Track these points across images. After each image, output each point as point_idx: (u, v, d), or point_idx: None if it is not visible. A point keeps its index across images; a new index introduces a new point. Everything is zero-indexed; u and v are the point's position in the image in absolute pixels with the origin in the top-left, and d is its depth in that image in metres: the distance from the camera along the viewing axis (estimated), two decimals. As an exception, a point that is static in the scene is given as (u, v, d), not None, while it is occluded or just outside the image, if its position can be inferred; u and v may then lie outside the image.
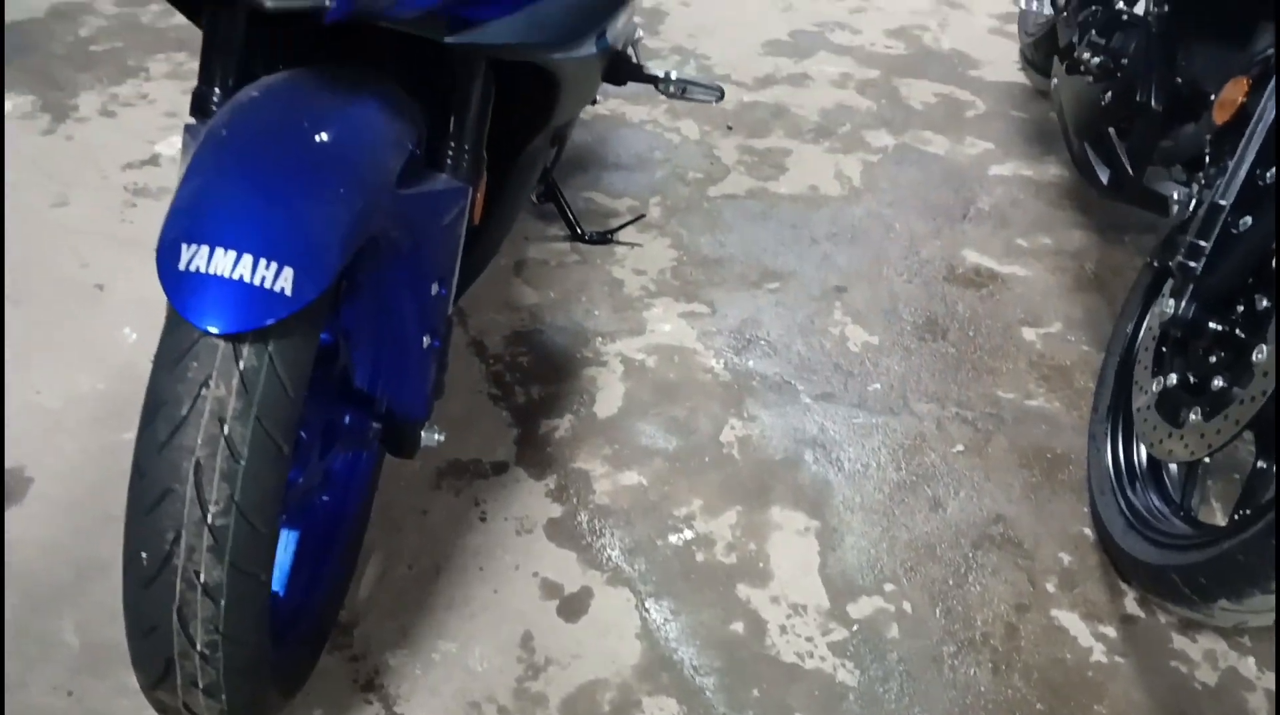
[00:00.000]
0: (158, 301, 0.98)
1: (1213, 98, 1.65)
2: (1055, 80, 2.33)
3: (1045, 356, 2.04)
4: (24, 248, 2.08)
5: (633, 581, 1.56)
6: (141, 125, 2.51)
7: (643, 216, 2.33)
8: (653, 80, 1.66)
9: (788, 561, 1.61)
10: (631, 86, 1.69)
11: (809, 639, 1.50)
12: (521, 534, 1.62)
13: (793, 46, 3.13)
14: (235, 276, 0.96)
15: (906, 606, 1.56)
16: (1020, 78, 3.01)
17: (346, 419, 1.30)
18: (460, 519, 1.63)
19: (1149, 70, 1.89)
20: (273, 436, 0.99)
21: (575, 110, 1.79)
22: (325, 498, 1.38)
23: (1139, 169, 1.92)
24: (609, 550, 1.60)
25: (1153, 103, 1.86)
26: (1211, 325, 1.48)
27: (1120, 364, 1.77)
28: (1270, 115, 1.44)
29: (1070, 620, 1.56)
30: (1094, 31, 2.11)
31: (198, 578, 0.98)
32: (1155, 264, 1.74)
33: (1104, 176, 2.02)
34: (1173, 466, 1.61)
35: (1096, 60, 2.05)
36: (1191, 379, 1.51)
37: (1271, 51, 1.58)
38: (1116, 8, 2.08)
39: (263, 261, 0.96)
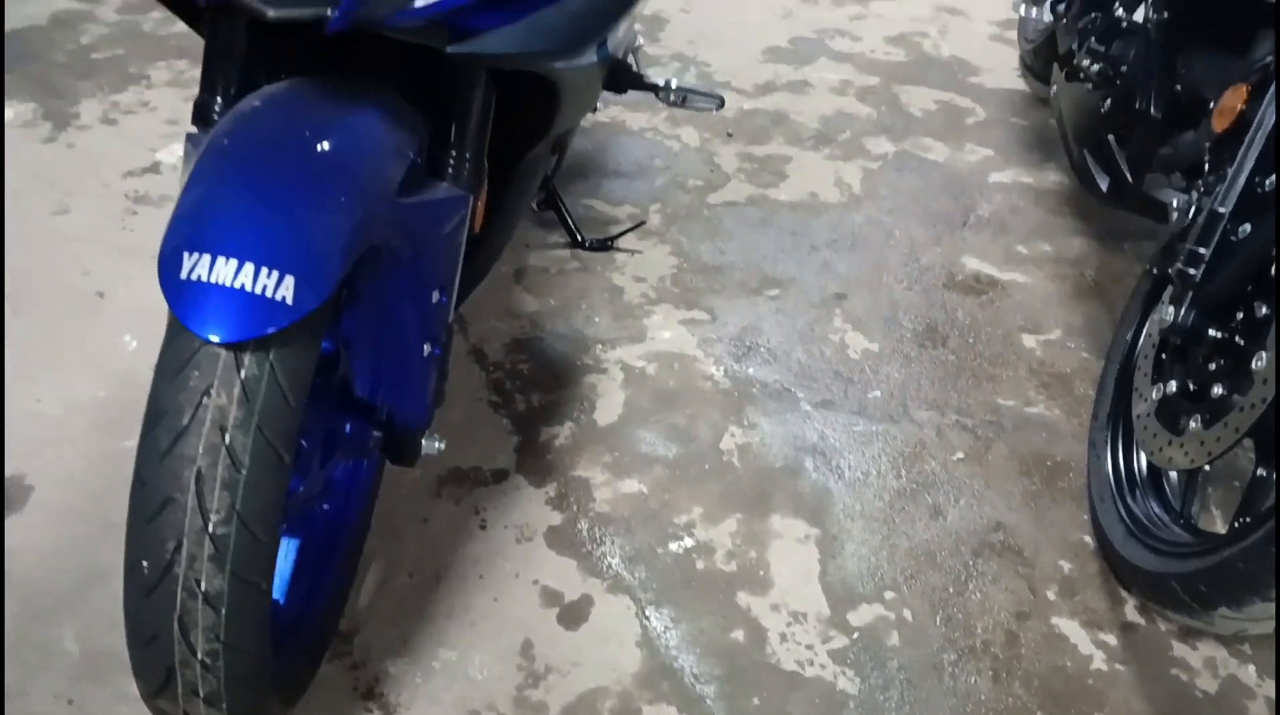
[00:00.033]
0: (158, 309, 0.99)
1: (1212, 105, 1.65)
2: (1055, 87, 2.33)
3: (1045, 364, 2.05)
4: (25, 255, 2.08)
5: (633, 589, 1.56)
6: (143, 133, 2.52)
7: (643, 223, 2.33)
8: (653, 88, 1.66)
9: (788, 569, 1.61)
10: (632, 94, 1.69)
11: (809, 647, 1.50)
12: (522, 542, 1.62)
13: (793, 53, 3.14)
14: (237, 285, 0.96)
15: (907, 614, 1.56)
16: (1020, 84, 3.02)
17: (347, 427, 1.30)
18: (460, 527, 1.63)
19: (1148, 77, 1.89)
20: (274, 445, 0.99)
21: (576, 118, 1.79)
22: (326, 506, 1.38)
23: (1138, 176, 1.92)
24: (609, 558, 1.60)
25: (1152, 110, 1.87)
26: (1211, 332, 1.48)
27: (1120, 371, 1.78)
28: (1270, 123, 1.44)
29: (1071, 628, 1.56)
30: (1093, 39, 2.11)
31: (199, 586, 0.98)
32: (1155, 271, 1.75)
33: (1103, 184, 2.03)
34: (1173, 474, 1.61)
35: (1096, 67, 2.05)
36: (1191, 386, 1.51)
37: (1270, 59, 1.58)
38: (1116, 15, 2.08)
39: (264, 270, 0.97)
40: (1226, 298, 1.48)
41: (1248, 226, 1.44)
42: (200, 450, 0.97)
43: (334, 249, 1.01)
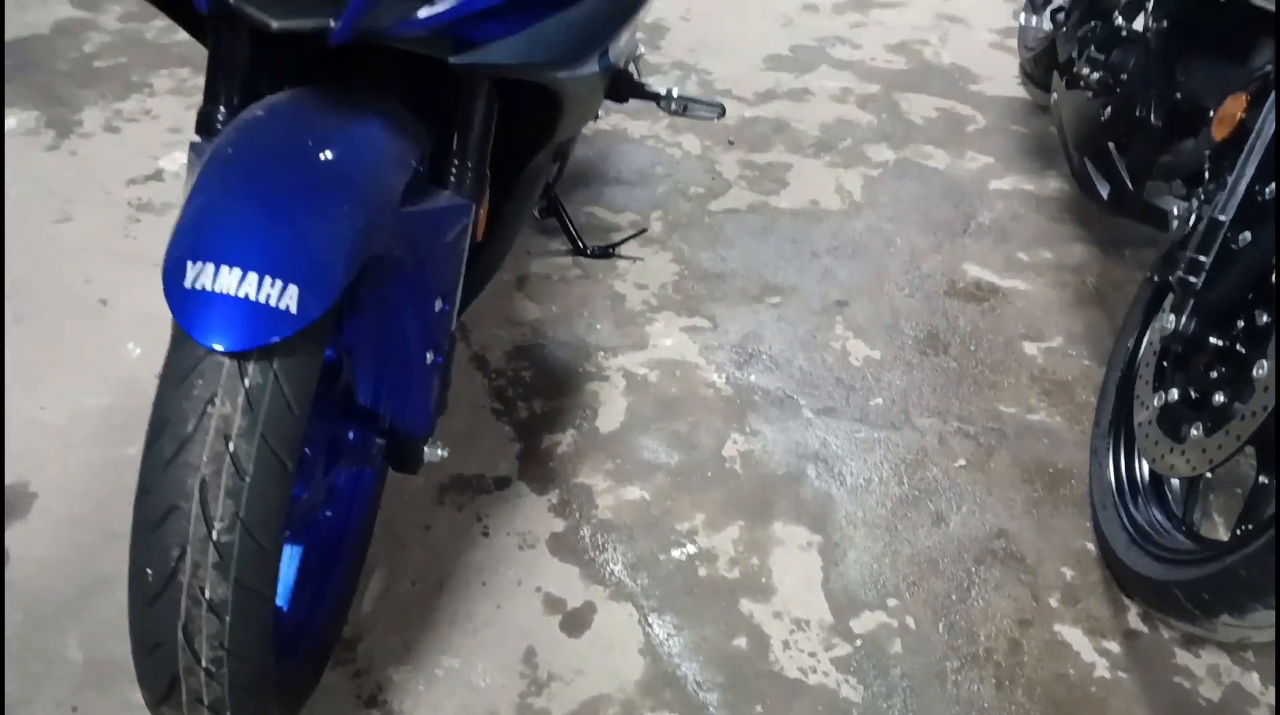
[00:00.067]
0: (161, 316, 0.99)
1: (1212, 113, 1.66)
2: (1055, 95, 2.34)
3: (1046, 371, 2.05)
4: (28, 263, 2.09)
5: (635, 597, 1.56)
6: (145, 141, 2.52)
7: (644, 231, 2.34)
8: (654, 97, 1.67)
9: (790, 577, 1.61)
10: (633, 102, 1.69)
11: (812, 654, 1.50)
12: (524, 549, 1.62)
13: (793, 61, 3.15)
14: (241, 294, 0.96)
15: (909, 622, 1.56)
16: (1020, 92, 3.03)
17: (350, 435, 1.31)
18: (463, 534, 1.63)
19: (1148, 86, 1.90)
20: (277, 453, 0.99)
21: (577, 127, 1.80)
22: (329, 513, 1.38)
23: (1139, 184, 1.93)
24: (611, 565, 1.61)
25: (1152, 118, 1.87)
26: (1212, 340, 1.48)
27: (1121, 379, 1.78)
28: (1270, 131, 1.44)
29: (1073, 635, 1.56)
30: (1093, 47, 2.12)
31: (203, 594, 0.98)
32: (1155, 279, 1.75)
33: (1104, 191, 2.03)
34: (1174, 481, 1.62)
35: (1096, 75, 2.06)
36: (1193, 394, 1.51)
37: (1270, 67, 1.58)
38: (1116, 23, 2.09)
39: (268, 279, 0.97)
40: (1227, 306, 1.48)
41: (1248, 234, 1.45)
42: (204, 458, 0.97)
43: (337, 258, 1.02)
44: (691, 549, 1.64)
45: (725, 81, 3.00)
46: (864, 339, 2.10)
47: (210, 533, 0.97)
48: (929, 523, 1.72)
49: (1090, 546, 1.69)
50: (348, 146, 1.09)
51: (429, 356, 1.28)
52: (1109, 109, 2.01)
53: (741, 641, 1.51)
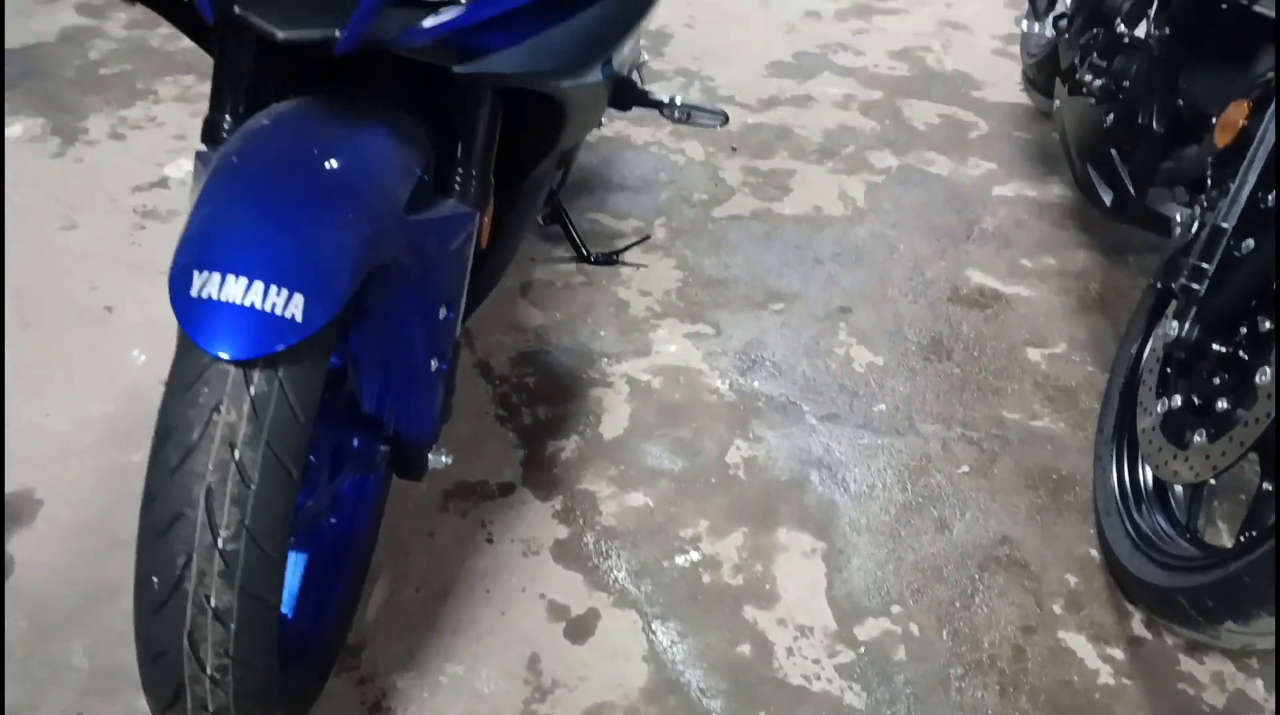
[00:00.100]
0: (167, 324, 1.00)
1: (1214, 120, 1.66)
2: (1057, 102, 2.34)
3: (1050, 377, 2.05)
4: (34, 271, 2.10)
5: (639, 603, 1.56)
6: (150, 148, 2.53)
7: (648, 238, 2.34)
8: (657, 105, 1.67)
9: (794, 583, 1.62)
10: (636, 109, 1.70)
11: (816, 661, 1.51)
12: (528, 556, 1.62)
13: (796, 68, 3.15)
14: (246, 303, 0.97)
15: (913, 628, 1.56)
16: (1023, 98, 3.03)
17: (355, 442, 1.31)
18: (467, 541, 1.63)
19: (1150, 92, 1.90)
20: (283, 461, 1.00)
21: (581, 135, 1.80)
22: (333, 520, 1.39)
23: (1141, 190, 1.93)
24: (615, 572, 1.61)
25: (1154, 125, 1.87)
26: (1215, 347, 1.48)
27: (1125, 385, 1.78)
28: (1271, 138, 1.45)
29: (1077, 642, 1.56)
30: (1095, 54, 2.12)
31: (208, 602, 0.99)
32: (1158, 286, 1.75)
33: (1107, 198, 2.03)
34: (1178, 488, 1.61)
35: (1098, 82, 2.06)
36: (1196, 401, 1.51)
37: (1272, 75, 1.59)
38: (1118, 30, 2.09)
39: (274, 288, 0.98)
40: (1230, 313, 1.48)
41: (1251, 242, 1.45)
42: (210, 466, 0.97)
43: (343, 267, 1.02)
44: (695, 555, 1.64)
45: (728, 88, 3.01)
46: (867, 345, 2.10)
47: (216, 540, 0.98)
48: (933, 529, 1.72)
49: (1094, 553, 1.69)
50: (353, 155, 1.10)
51: (433, 364, 1.29)
52: (1111, 116, 2.01)
53: (745, 648, 1.52)
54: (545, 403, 1.90)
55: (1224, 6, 1.82)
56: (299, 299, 0.98)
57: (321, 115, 1.13)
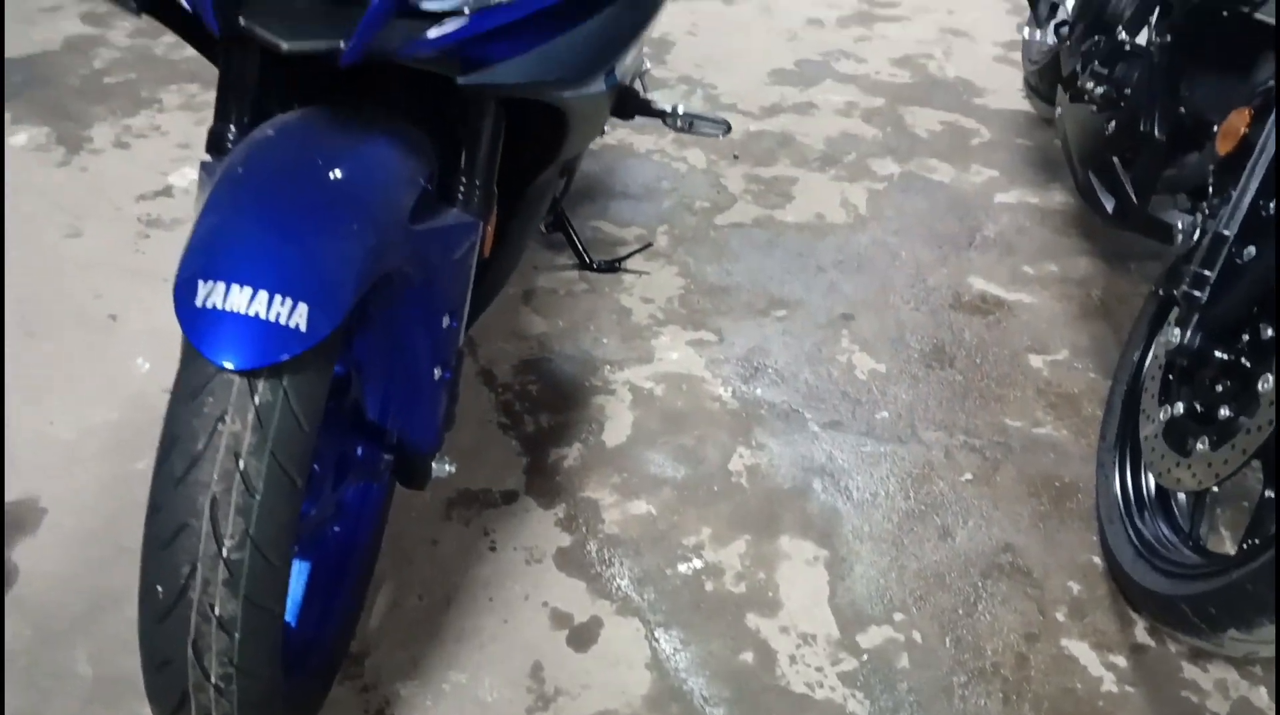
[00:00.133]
0: (170, 332, 1.00)
1: (1215, 128, 1.66)
2: (1059, 109, 2.35)
3: (1052, 384, 2.05)
4: (38, 279, 2.11)
5: (642, 611, 1.56)
6: (154, 156, 2.54)
7: (650, 245, 2.35)
8: (660, 115, 1.68)
9: (797, 591, 1.62)
10: (639, 118, 1.71)
11: (819, 669, 1.51)
12: (531, 564, 1.62)
13: (798, 75, 3.16)
14: (251, 313, 0.97)
15: (916, 636, 1.56)
16: (1025, 105, 3.04)
17: (359, 451, 1.31)
18: (470, 549, 1.64)
19: (1152, 100, 1.90)
20: (287, 471, 1.00)
21: (584, 144, 1.81)
22: (337, 529, 1.39)
23: (1143, 198, 1.93)
24: (618, 580, 1.61)
25: (1156, 132, 1.87)
26: (1217, 354, 1.49)
27: (1127, 392, 1.78)
28: (1272, 147, 1.45)
29: (1080, 650, 1.56)
30: (1097, 61, 2.12)
31: (213, 611, 0.99)
32: (1160, 293, 1.75)
33: (1109, 205, 2.03)
34: (1181, 495, 1.61)
35: (1100, 90, 2.07)
36: (1198, 408, 1.51)
37: (1273, 83, 1.59)
38: (1119, 38, 2.10)
39: (278, 298, 0.98)
40: (1232, 320, 1.48)
41: (1252, 249, 1.45)
42: (215, 476, 0.98)
43: (347, 277, 1.03)
44: (698, 563, 1.65)
45: (731, 96, 3.01)
46: (869, 352, 2.10)
47: (220, 550, 0.98)
48: (935, 537, 1.72)
49: (1097, 560, 1.69)
50: (357, 165, 1.11)
51: (437, 372, 1.29)
52: (1113, 123, 2.02)
53: (748, 656, 1.52)
54: (548, 410, 1.91)
55: (1225, 14, 1.83)
56: (303, 309, 0.98)
57: (326, 126, 1.14)
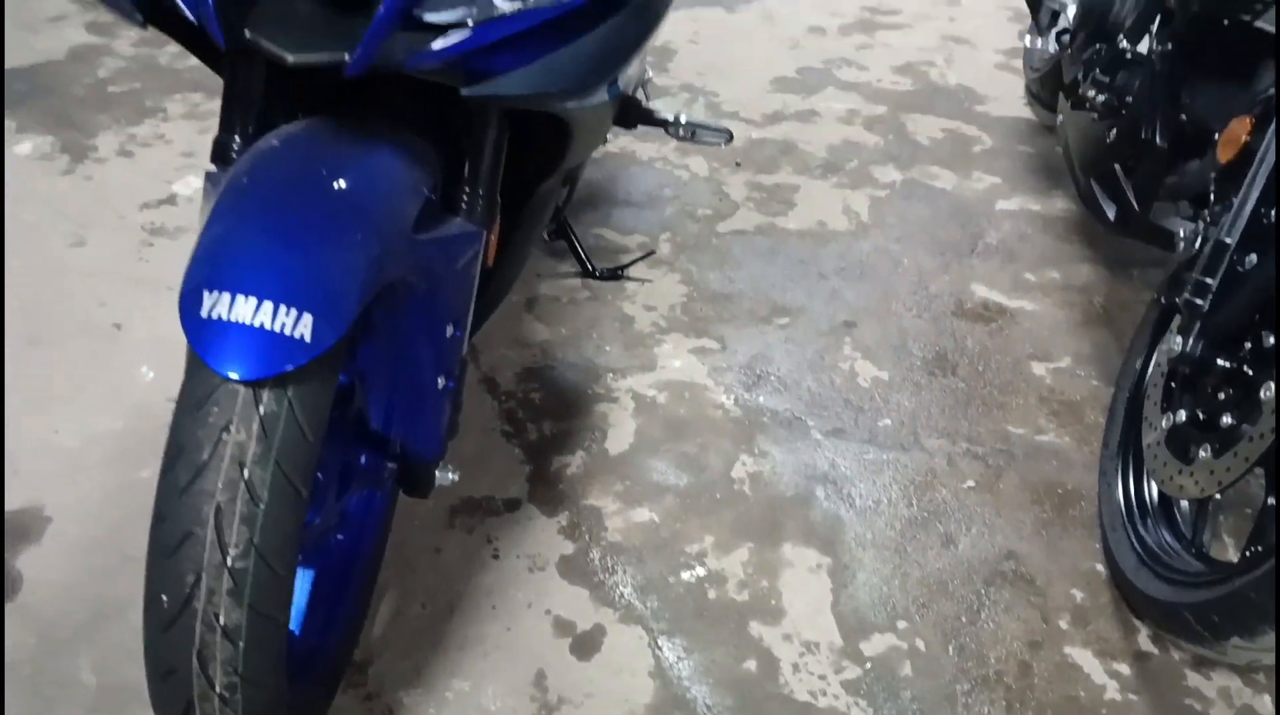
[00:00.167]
0: (175, 340, 1.01)
1: (1217, 135, 1.66)
2: (1061, 117, 2.35)
3: (1055, 391, 2.05)
4: (42, 288, 2.11)
5: (645, 619, 1.57)
6: (159, 165, 2.55)
7: (653, 253, 2.35)
8: (662, 124, 1.68)
9: (800, 599, 1.62)
10: (641, 126, 1.71)
11: (822, 677, 1.51)
12: (534, 571, 1.63)
13: (800, 83, 3.17)
14: (256, 323, 0.98)
15: (919, 644, 1.56)
16: (1026, 112, 3.04)
17: (362, 459, 1.32)
18: (473, 557, 1.64)
19: (1153, 108, 1.91)
20: (291, 480, 1.00)
21: (587, 154, 1.81)
22: (340, 537, 1.40)
23: (1145, 205, 1.93)
24: (621, 588, 1.61)
25: (1157, 140, 1.88)
26: (1219, 362, 1.49)
27: (1130, 400, 1.78)
28: (1273, 156, 1.45)
29: (1084, 657, 1.56)
30: (1098, 69, 2.13)
31: (217, 620, 0.99)
32: (1162, 301, 1.75)
33: (1110, 212, 2.04)
34: (1184, 503, 1.61)
35: (1101, 98, 2.07)
36: (1201, 415, 1.51)
37: (1273, 91, 1.59)
38: (1120, 46, 2.10)
39: (283, 308, 0.99)
40: (1234, 328, 1.48)
41: (1254, 257, 1.45)
42: (219, 485, 0.98)
43: (351, 287, 1.03)
44: (701, 571, 1.65)
45: (733, 103, 3.02)
46: (872, 360, 2.10)
47: (225, 559, 0.98)
48: (938, 544, 1.72)
49: (1100, 568, 1.69)
50: (361, 176, 1.11)
51: (440, 381, 1.30)
52: (1114, 131, 2.02)
53: (751, 664, 1.52)
54: (551, 418, 1.91)
55: (1225, 22, 1.83)
56: (308, 319, 0.99)
57: (330, 136, 1.14)
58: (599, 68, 1.15)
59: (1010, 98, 3.13)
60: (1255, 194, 1.46)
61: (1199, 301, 1.51)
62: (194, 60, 1.32)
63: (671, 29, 3.35)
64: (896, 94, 3.14)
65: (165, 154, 2.60)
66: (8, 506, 1.64)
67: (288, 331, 0.98)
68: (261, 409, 0.99)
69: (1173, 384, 1.60)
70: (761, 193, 2.62)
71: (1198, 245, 1.63)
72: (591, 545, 1.67)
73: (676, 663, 1.51)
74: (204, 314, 0.98)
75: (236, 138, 1.22)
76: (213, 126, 1.25)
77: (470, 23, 1.05)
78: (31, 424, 1.79)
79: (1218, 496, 1.47)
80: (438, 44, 1.04)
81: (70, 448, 1.76)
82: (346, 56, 1.02)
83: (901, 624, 1.59)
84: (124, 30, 3.14)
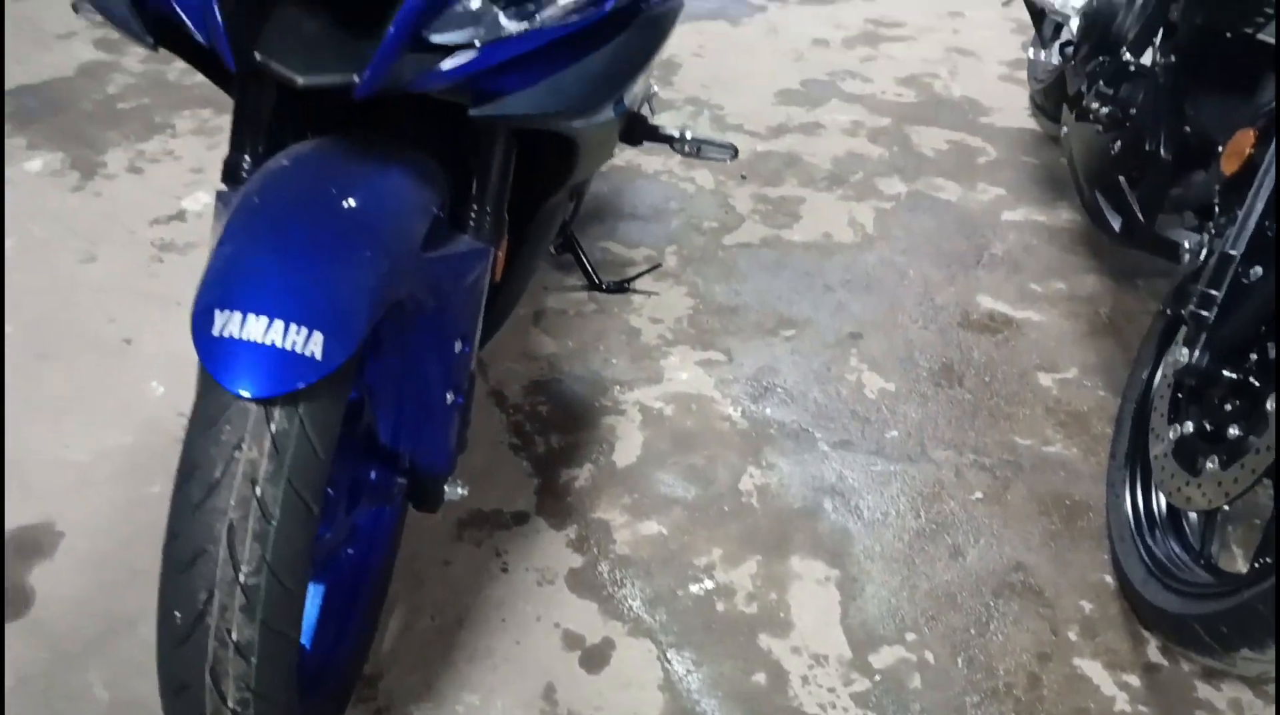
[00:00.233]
0: (185, 356, 1.02)
1: (1221, 147, 1.67)
2: (1065, 128, 2.36)
3: (1062, 402, 2.05)
4: (53, 303, 2.13)
5: (654, 632, 1.57)
6: (168, 181, 2.57)
7: (659, 266, 2.36)
8: (668, 140, 1.69)
9: (809, 611, 1.62)
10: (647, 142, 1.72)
11: (831, 690, 1.51)
12: (543, 585, 1.63)
13: (805, 95, 3.18)
14: (267, 342, 0.99)
15: (928, 656, 1.56)
16: (1031, 123, 3.05)
17: (372, 475, 1.32)
18: (482, 570, 1.64)
19: (1157, 120, 1.92)
20: (303, 497, 1.01)
21: (593, 170, 1.82)
22: (350, 552, 1.40)
23: (1150, 217, 1.94)
24: (630, 601, 1.62)
25: (1162, 152, 1.89)
26: (1225, 374, 1.49)
27: (1137, 411, 1.78)
28: (1276, 169, 1.46)
29: (1093, 669, 1.56)
30: (1102, 81, 2.14)
31: (230, 636, 1.00)
32: (1168, 312, 1.76)
33: (1115, 224, 2.04)
34: (1192, 514, 1.62)
35: (1105, 110, 2.08)
36: (1208, 427, 1.51)
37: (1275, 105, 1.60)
38: (1124, 58, 2.11)
39: (294, 327, 1.00)
40: (1240, 340, 1.48)
41: (1259, 269, 1.46)
42: (232, 503, 0.99)
43: (361, 305, 1.04)
44: (709, 584, 1.65)
45: (737, 116, 3.03)
46: (878, 372, 2.11)
47: (237, 575, 0.99)
48: (946, 556, 1.72)
49: (1108, 579, 1.69)
50: (370, 195, 1.12)
51: (449, 397, 1.30)
52: (1119, 143, 2.03)
53: (760, 677, 1.52)
54: (558, 431, 1.92)
55: (1229, 35, 1.84)
56: (318, 337, 1.00)
57: (340, 156, 1.16)
58: (605, 87, 1.16)
59: (1014, 109, 3.13)
60: (1260, 207, 1.47)
61: (1204, 313, 1.51)
62: (202, 77, 1.33)
63: (676, 42, 3.35)
64: (901, 106, 3.15)
65: (174, 170, 2.61)
66: (19, 522, 1.65)
67: (299, 350, 0.99)
68: (273, 427, 1.00)
69: (1179, 395, 1.60)
70: (767, 205, 2.63)
71: (1203, 257, 1.63)
72: (600, 558, 1.68)
73: (685, 676, 1.51)
74: (216, 333, 0.99)
75: (247, 158, 1.23)
76: (221, 142, 1.26)
77: (478, 44, 1.06)
78: (42, 439, 1.80)
79: (1226, 508, 1.47)
80: (446, 65, 1.05)
81: (81, 463, 1.77)
82: (356, 78, 1.03)
83: (910, 636, 1.59)
84: (133, 47, 3.16)
